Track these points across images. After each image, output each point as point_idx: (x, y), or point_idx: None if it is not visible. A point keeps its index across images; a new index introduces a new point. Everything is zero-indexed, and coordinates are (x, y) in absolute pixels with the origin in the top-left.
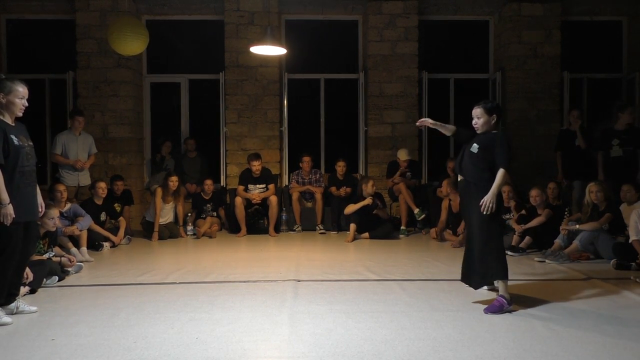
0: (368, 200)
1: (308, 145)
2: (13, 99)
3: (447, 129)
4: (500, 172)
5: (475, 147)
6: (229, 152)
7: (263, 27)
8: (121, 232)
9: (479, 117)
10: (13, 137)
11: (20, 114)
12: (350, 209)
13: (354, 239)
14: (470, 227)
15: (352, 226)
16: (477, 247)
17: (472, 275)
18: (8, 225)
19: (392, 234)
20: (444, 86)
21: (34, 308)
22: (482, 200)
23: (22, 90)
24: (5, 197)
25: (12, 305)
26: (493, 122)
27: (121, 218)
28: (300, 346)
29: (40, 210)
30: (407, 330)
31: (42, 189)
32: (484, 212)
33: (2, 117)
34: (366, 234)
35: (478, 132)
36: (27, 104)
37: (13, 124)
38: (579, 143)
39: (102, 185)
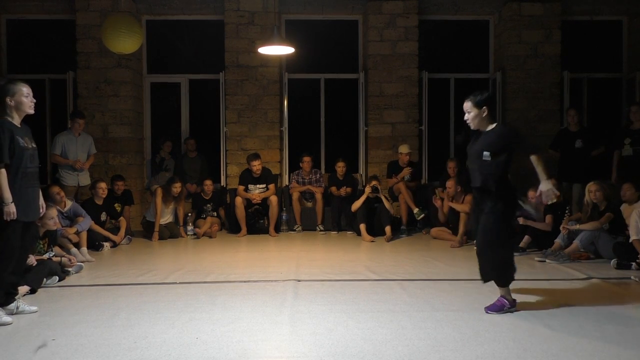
0: (367, 190)
1: (308, 145)
2: (20, 99)
3: None
4: (534, 158)
5: (487, 155)
6: (229, 152)
7: (263, 27)
8: (122, 232)
9: (468, 112)
10: (19, 138)
11: (32, 111)
12: (356, 205)
13: (372, 240)
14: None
15: (362, 226)
16: (479, 249)
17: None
18: (9, 222)
19: (394, 218)
20: (444, 86)
21: (34, 308)
22: (538, 192)
23: (25, 89)
24: (8, 196)
25: (12, 305)
26: (484, 114)
27: (121, 218)
28: (300, 346)
29: (41, 211)
30: (408, 330)
31: (42, 189)
32: (549, 200)
33: (11, 119)
34: (388, 228)
35: (471, 127)
36: (34, 100)
37: (20, 126)
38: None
39: (103, 185)
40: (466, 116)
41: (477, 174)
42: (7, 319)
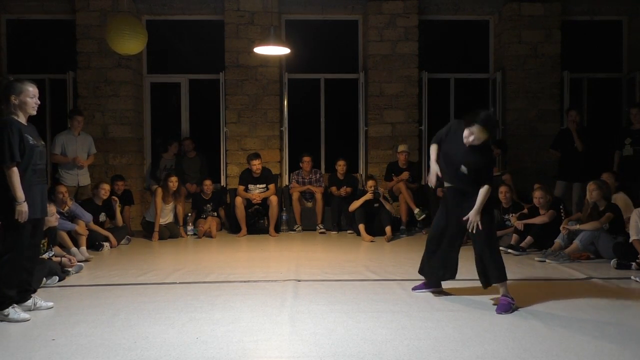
0: (369, 195)
1: (308, 145)
2: (25, 99)
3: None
4: (484, 190)
5: (464, 169)
6: (229, 152)
7: (263, 27)
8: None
9: (477, 138)
10: (28, 136)
11: (34, 113)
12: (355, 205)
13: (372, 240)
14: (459, 230)
15: (362, 226)
16: (480, 251)
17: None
18: (22, 222)
19: (394, 219)
20: (444, 86)
21: (50, 304)
22: (467, 217)
23: (32, 89)
24: (21, 195)
25: (29, 302)
26: (485, 138)
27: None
28: (300, 346)
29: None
30: (408, 330)
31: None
32: (471, 230)
33: (16, 118)
34: (388, 228)
35: (467, 145)
36: (39, 102)
37: (26, 124)
38: (577, 144)
39: (106, 187)
40: (471, 138)
41: (455, 177)
42: (25, 315)
